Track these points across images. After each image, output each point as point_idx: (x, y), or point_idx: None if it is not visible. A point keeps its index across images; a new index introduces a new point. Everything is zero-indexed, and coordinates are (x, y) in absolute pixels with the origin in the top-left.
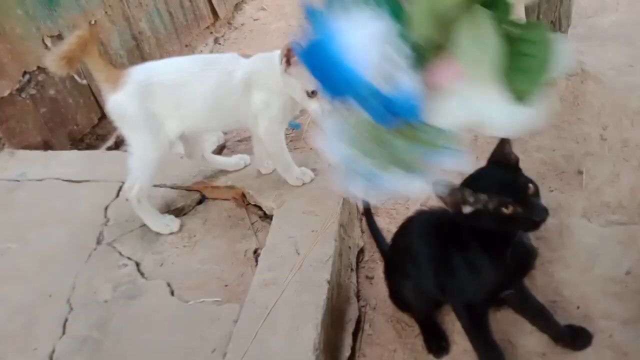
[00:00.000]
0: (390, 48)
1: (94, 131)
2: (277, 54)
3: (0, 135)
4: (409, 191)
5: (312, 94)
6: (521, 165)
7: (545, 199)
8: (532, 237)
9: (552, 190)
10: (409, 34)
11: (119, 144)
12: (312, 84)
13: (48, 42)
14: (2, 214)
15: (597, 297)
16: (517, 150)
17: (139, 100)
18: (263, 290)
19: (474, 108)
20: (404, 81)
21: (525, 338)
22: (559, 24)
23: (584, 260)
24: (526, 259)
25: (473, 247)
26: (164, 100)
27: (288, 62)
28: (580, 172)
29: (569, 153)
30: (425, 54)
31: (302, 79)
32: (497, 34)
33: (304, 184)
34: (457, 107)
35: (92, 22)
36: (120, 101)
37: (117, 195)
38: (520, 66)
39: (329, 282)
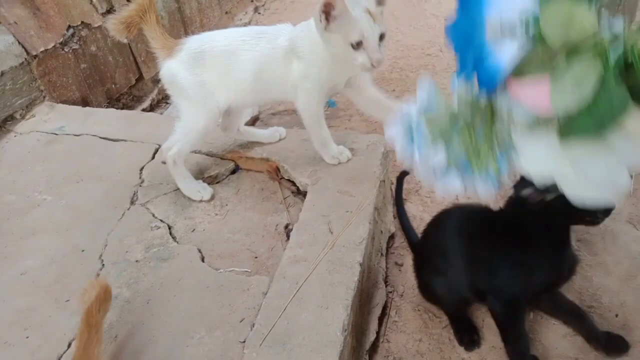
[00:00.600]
0: (520, 21)
1: (130, 91)
2: (310, 22)
3: (42, 88)
4: (477, 190)
5: (357, 46)
6: None
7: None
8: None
9: None
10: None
11: (154, 107)
12: (356, 33)
13: None
14: (39, 166)
15: (638, 307)
16: None
17: (191, 67)
18: (294, 266)
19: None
20: (505, 52)
21: (558, 341)
22: None
23: (627, 268)
24: (570, 264)
25: (529, 246)
26: (214, 68)
27: (327, 19)
28: (629, 176)
29: None
30: (532, 64)
31: (345, 31)
32: (595, 87)
33: (339, 163)
34: (540, 152)
35: None
36: (173, 67)
37: (153, 157)
38: (586, 112)
39: (360, 265)
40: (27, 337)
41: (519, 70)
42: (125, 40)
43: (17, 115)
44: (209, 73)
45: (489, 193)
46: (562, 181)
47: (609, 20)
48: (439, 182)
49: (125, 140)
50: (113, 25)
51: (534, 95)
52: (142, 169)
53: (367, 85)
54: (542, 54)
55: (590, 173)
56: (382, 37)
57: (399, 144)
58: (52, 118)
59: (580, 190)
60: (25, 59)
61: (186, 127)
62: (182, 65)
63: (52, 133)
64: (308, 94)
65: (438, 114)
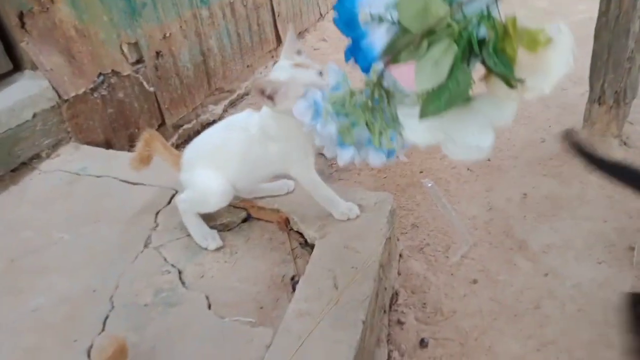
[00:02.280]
0: (387, 15)
1: None
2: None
3: (69, 130)
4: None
5: None
6: (568, 232)
7: (592, 272)
8: (572, 309)
9: (599, 263)
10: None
11: None
12: (300, 89)
13: (125, 48)
14: (60, 204)
15: None
16: (565, 216)
17: (191, 171)
18: (298, 320)
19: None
20: (377, 38)
21: None
22: (623, 95)
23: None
24: None
25: None
26: (207, 166)
27: (271, 99)
28: (631, 248)
29: (621, 226)
30: (400, 54)
31: (292, 96)
32: (448, 71)
33: (349, 219)
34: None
35: (167, 35)
36: (182, 177)
37: (169, 202)
38: (438, 94)
39: (363, 323)
40: None
41: (391, 52)
42: (151, 89)
43: (43, 154)
44: (202, 173)
45: (380, 162)
46: (443, 147)
47: (463, 4)
48: (335, 150)
49: (144, 184)
50: (132, 164)
51: (405, 75)
52: (157, 213)
53: None
54: (408, 39)
55: (461, 141)
56: (320, 73)
57: (305, 118)
58: (76, 158)
59: (457, 153)
60: (57, 102)
61: (197, 198)
62: (186, 174)
63: (74, 173)
64: (296, 164)
65: (341, 92)
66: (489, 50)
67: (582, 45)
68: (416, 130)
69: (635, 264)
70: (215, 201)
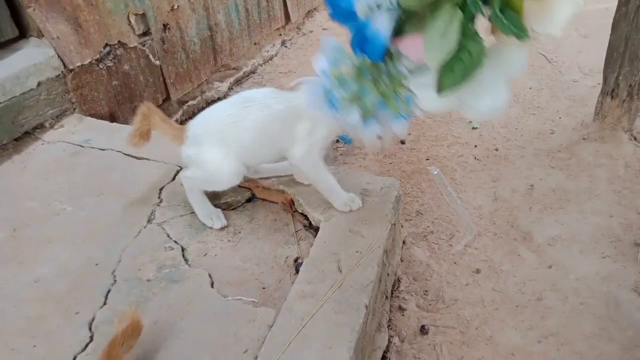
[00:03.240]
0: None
1: None
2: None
3: (73, 100)
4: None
5: None
6: (574, 225)
7: (596, 266)
8: (575, 302)
9: (604, 257)
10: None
11: None
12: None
13: (132, 19)
14: (63, 175)
15: None
16: (571, 209)
17: (199, 148)
18: (301, 302)
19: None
20: (381, 24)
21: None
22: (637, 88)
23: (631, 337)
24: None
25: None
26: (218, 144)
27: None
28: (637, 244)
29: (628, 222)
30: (405, 25)
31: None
32: (458, 36)
33: (351, 210)
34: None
35: (175, 7)
36: (186, 152)
37: (173, 179)
38: (452, 67)
39: (366, 307)
40: (34, 346)
41: (398, 32)
42: (157, 62)
43: (47, 124)
44: (212, 151)
45: (403, 128)
46: (457, 109)
47: None
48: (362, 133)
49: (148, 159)
50: (131, 141)
51: (413, 48)
52: (161, 189)
53: None
54: (412, 16)
55: (477, 104)
56: None
57: (320, 110)
58: (79, 130)
59: (475, 114)
60: (62, 71)
61: (204, 179)
62: (192, 149)
63: (78, 145)
64: (310, 146)
65: (346, 68)
66: (496, 13)
67: (599, 36)
68: (430, 99)
69: None
70: (227, 180)
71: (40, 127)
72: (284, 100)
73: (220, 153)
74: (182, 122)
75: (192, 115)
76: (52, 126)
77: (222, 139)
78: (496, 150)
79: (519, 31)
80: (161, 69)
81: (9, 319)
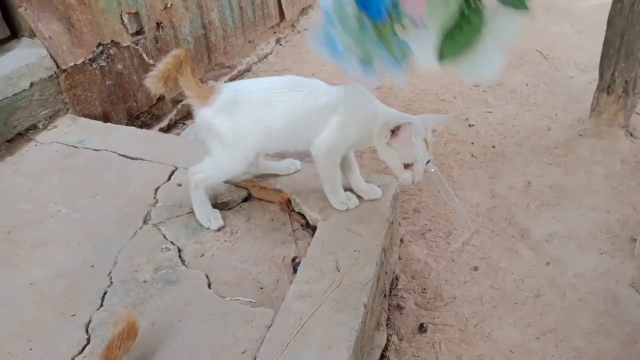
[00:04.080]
0: None
1: (150, 110)
2: (361, 86)
3: (66, 101)
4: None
5: (406, 166)
6: (571, 222)
7: (594, 262)
8: (573, 299)
9: (601, 254)
10: None
11: (171, 126)
12: (411, 157)
13: (125, 18)
14: (57, 177)
15: None
16: (569, 205)
17: (226, 115)
18: (299, 301)
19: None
20: None
21: None
22: (633, 84)
23: (629, 333)
24: None
25: None
26: (248, 117)
27: (392, 136)
28: (633, 240)
29: (624, 218)
30: None
31: (403, 152)
32: (458, 3)
33: (348, 209)
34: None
35: (168, 5)
36: (209, 115)
37: (169, 179)
38: (453, 36)
39: (365, 306)
40: (31, 349)
41: None
42: (150, 62)
43: (40, 125)
44: (243, 121)
45: (401, 77)
46: (452, 69)
47: None
48: (360, 75)
49: (143, 160)
50: (151, 80)
51: (416, 4)
52: (157, 189)
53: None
54: None
55: (472, 70)
56: (427, 162)
57: (321, 53)
58: (73, 131)
59: (467, 76)
60: (55, 72)
61: (216, 165)
62: (217, 114)
63: (72, 145)
64: (338, 141)
65: (349, 7)
66: None
67: (594, 32)
68: (426, 56)
69: (637, 256)
70: (238, 160)
71: (33, 128)
72: (330, 93)
73: (244, 127)
74: (176, 122)
75: (186, 114)
76: (45, 127)
77: (254, 112)
78: (493, 147)
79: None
80: None
81: (4, 323)
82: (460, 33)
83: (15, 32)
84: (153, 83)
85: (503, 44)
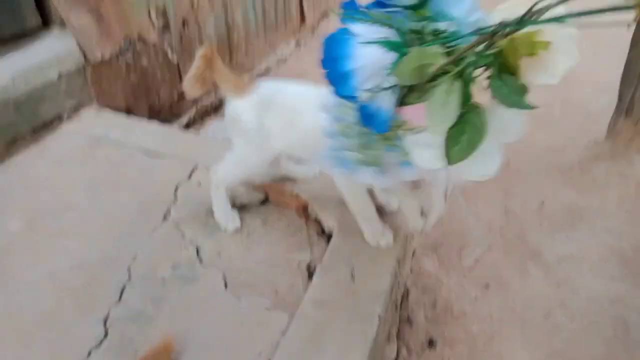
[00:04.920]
0: (384, 70)
1: (170, 107)
2: None
3: (92, 93)
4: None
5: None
6: (584, 244)
7: (605, 285)
8: (583, 322)
9: (613, 278)
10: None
11: (190, 125)
12: (428, 205)
13: (153, 14)
14: (80, 168)
15: None
16: (582, 227)
17: (257, 112)
18: (314, 309)
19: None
20: (383, 101)
21: None
22: None
23: None
24: None
25: None
26: (279, 118)
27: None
28: None
29: (638, 243)
30: (406, 97)
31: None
32: (458, 107)
33: (378, 244)
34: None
35: (195, 3)
36: (240, 108)
37: (189, 177)
38: (457, 140)
39: (379, 317)
40: (48, 341)
41: (402, 103)
42: (174, 59)
43: (65, 116)
44: (273, 121)
45: (412, 173)
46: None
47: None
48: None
49: (164, 155)
50: (189, 86)
51: (416, 116)
52: (177, 187)
53: None
54: (413, 89)
55: (468, 169)
56: None
57: (333, 171)
58: (97, 123)
59: (463, 176)
60: (83, 64)
61: (237, 162)
62: (249, 107)
63: (95, 138)
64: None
65: (350, 121)
66: (496, 82)
67: (614, 51)
68: (423, 158)
69: None
70: (258, 158)
71: (58, 118)
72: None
73: (271, 128)
74: (195, 121)
75: (204, 113)
76: (69, 118)
77: (290, 118)
78: (507, 164)
79: (520, 102)
80: (178, 66)
81: (25, 312)
82: (465, 136)
83: (46, 21)
84: (190, 86)
85: (503, 143)
